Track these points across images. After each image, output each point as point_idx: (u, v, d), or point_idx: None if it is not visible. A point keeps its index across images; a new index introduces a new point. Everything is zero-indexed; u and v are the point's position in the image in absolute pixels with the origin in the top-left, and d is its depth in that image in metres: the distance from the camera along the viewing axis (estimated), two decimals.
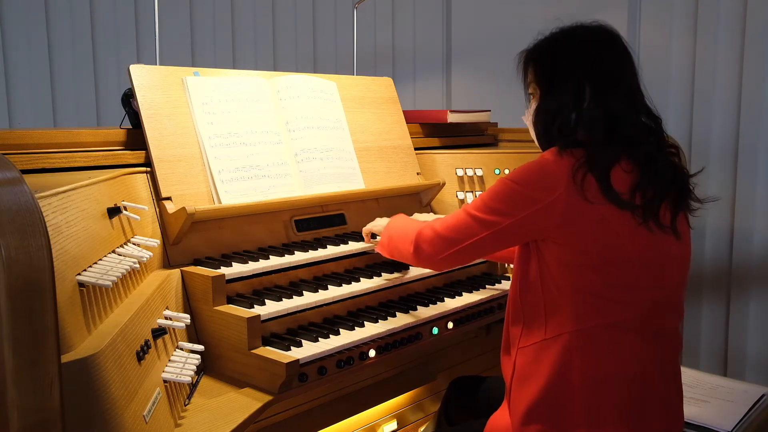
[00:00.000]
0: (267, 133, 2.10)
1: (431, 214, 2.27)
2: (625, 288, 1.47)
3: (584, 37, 1.58)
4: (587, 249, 1.45)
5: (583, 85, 1.51)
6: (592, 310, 1.46)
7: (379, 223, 2.02)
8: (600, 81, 1.51)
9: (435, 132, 2.81)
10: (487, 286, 2.25)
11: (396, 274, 2.06)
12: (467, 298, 2.12)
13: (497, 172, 2.67)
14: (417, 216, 2.21)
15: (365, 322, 1.85)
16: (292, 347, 1.66)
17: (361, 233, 2.20)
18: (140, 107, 1.87)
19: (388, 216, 2.04)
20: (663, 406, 1.51)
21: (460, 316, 2.06)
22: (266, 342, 1.68)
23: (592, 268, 1.46)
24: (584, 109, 1.51)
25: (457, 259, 1.66)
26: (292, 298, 1.81)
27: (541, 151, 1.59)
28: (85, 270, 1.33)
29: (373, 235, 2.07)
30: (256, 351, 1.63)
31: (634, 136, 1.49)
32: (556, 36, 1.61)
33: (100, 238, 1.45)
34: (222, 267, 1.80)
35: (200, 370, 1.71)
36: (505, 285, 2.28)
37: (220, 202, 1.93)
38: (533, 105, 1.64)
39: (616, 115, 1.49)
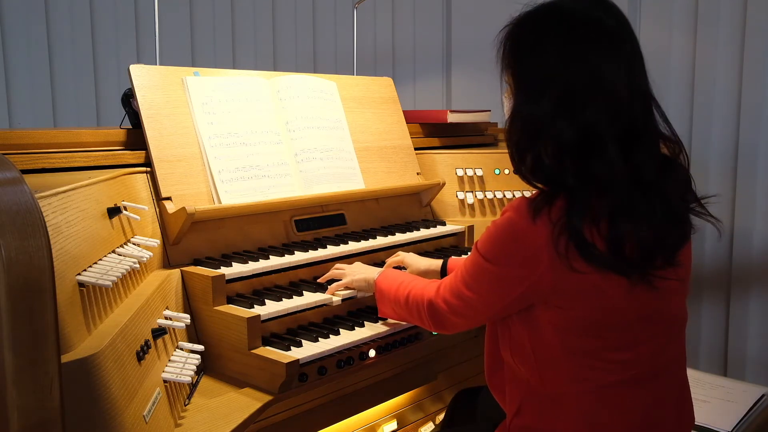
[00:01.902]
0: (267, 133, 2.10)
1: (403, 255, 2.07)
2: (626, 348, 1.32)
3: (569, 23, 1.28)
4: (582, 318, 1.29)
5: (559, 92, 1.26)
6: (591, 372, 1.32)
7: (353, 275, 1.87)
8: (575, 87, 1.25)
9: (435, 132, 2.81)
10: None
11: None
12: None
13: (497, 172, 2.67)
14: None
15: (365, 322, 1.85)
16: (292, 347, 1.66)
17: (361, 233, 2.20)
18: (140, 107, 1.87)
19: (387, 216, 2.03)
20: (663, 428, 1.43)
21: None
22: (266, 342, 1.68)
23: (588, 332, 1.30)
24: (556, 126, 1.26)
25: (479, 322, 1.50)
26: (292, 298, 1.81)
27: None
28: (85, 270, 1.33)
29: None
30: (256, 351, 1.63)
31: (607, 176, 1.24)
32: (542, 8, 1.32)
33: (100, 238, 1.45)
34: (222, 267, 1.80)
35: (200, 370, 1.71)
36: None
37: (220, 202, 1.93)
38: (509, 100, 1.38)
39: (593, 136, 1.24)
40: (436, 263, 1.98)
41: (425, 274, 1.96)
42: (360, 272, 1.87)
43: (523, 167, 1.33)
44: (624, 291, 1.28)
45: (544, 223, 1.24)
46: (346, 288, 1.88)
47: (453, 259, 1.98)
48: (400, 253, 2.09)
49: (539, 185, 1.32)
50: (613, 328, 1.31)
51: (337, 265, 1.94)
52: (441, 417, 2.34)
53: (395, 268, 2.00)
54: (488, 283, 1.37)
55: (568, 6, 1.31)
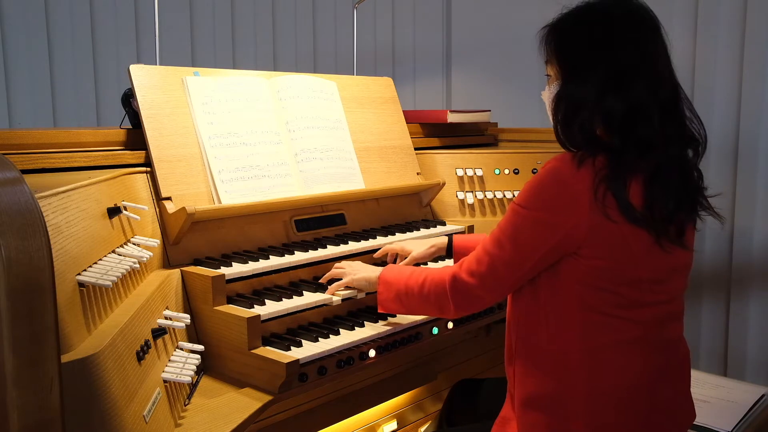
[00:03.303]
0: (267, 133, 2.10)
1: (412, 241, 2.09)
2: (634, 306, 1.42)
3: (606, 12, 1.45)
4: (604, 268, 1.39)
5: (607, 73, 1.41)
6: (600, 329, 1.42)
7: (353, 275, 1.87)
8: (622, 68, 1.41)
9: (435, 132, 2.81)
10: None
11: None
12: None
13: (497, 172, 2.67)
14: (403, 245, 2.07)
15: (365, 322, 1.85)
16: (292, 347, 1.66)
17: (361, 233, 2.20)
18: (140, 107, 1.87)
19: (387, 216, 2.03)
20: (669, 413, 1.48)
21: None
22: (266, 342, 1.68)
23: (605, 288, 1.41)
24: (606, 103, 1.40)
25: (502, 294, 1.55)
26: (292, 298, 1.81)
27: (555, 139, 1.50)
28: (85, 270, 1.33)
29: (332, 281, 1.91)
30: (256, 351, 1.63)
31: (650, 139, 1.39)
32: (580, 10, 1.48)
33: (100, 238, 1.45)
34: (222, 267, 1.80)
35: (200, 370, 1.71)
36: None
37: (220, 202, 1.93)
38: (553, 88, 1.52)
39: (638, 110, 1.39)
40: (441, 240, 2.03)
41: (429, 255, 2.02)
42: (360, 271, 1.87)
43: (567, 134, 1.46)
44: (645, 248, 1.39)
45: (587, 170, 1.36)
46: (347, 287, 1.88)
47: (459, 237, 2.02)
48: (396, 242, 2.10)
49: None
50: (627, 283, 1.40)
51: (337, 264, 1.94)
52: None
53: (382, 264, 1.99)
54: (524, 234, 1.42)
55: (606, 2, 1.47)
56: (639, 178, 1.38)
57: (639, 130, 1.39)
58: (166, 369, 1.48)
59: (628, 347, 1.43)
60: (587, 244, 1.38)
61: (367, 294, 1.92)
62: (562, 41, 1.49)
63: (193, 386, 1.63)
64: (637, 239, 1.38)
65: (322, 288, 1.89)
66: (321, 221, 2.18)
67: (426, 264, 2.14)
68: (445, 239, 2.05)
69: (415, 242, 2.06)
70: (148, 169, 1.85)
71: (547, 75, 1.55)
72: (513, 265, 1.45)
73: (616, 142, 1.39)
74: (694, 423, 1.96)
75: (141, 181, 1.82)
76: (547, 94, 1.55)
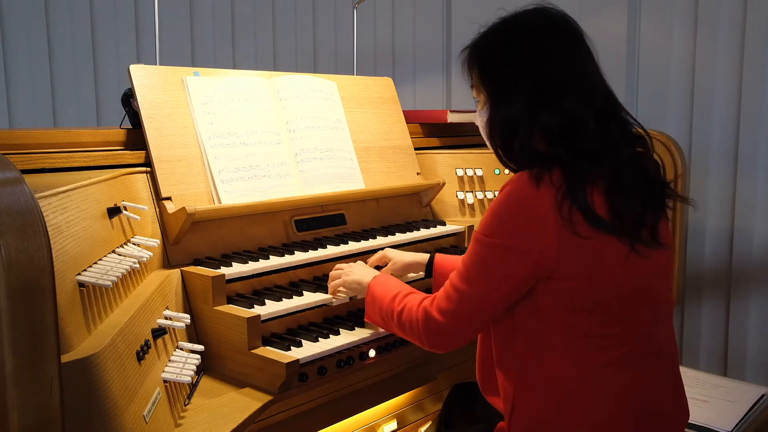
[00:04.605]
0: (267, 133, 2.10)
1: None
2: (620, 324, 1.38)
3: (523, 27, 1.42)
4: (582, 289, 1.34)
5: (533, 88, 1.37)
6: (588, 352, 1.37)
7: (347, 276, 1.81)
8: (548, 80, 1.37)
9: (435, 132, 2.81)
10: None
11: None
12: None
13: (497, 172, 2.67)
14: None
15: (365, 322, 1.85)
16: (292, 347, 1.66)
17: (361, 233, 2.20)
18: (140, 107, 1.87)
19: (387, 216, 2.02)
20: (663, 415, 1.46)
21: None
22: (266, 342, 1.68)
23: (585, 308, 1.35)
24: (539, 117, 1.36)
25: (477, 330, 1.50)
26: (292, 298, 1.81)
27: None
28: (85, 270, 1.33)
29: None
30: (256, 351, 1.63)
31: (596, 148, 1.35)
32: (497, 28, 1.45)
33: (100, 238, 1.45)
34: (222, 267, 1.80)
35: (200, 370, 1.71)
36: None
37: (220, 202, 1.93)
38: (483, 113, 1.49)
39: (572, 119, 1.35)
40: (422, 256, 1.95)
41: (410, 267, 1.95)
42: (355, 273, 1.80)
43: (510, 156, 1.43)
44: (621, 259, 1.34)
45: (547, 188, 1.31)
46: (340, 289, 1.86)
47: (440, 255, 1.93)
48: (380, 251, 2.04)
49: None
50: (609, 300, 1.36)
51: (338, 266, 1.91)
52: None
53: (377, 267, 1.96)
54: (493, 265, 1.36)
55: (523, 15, 1.45)
56: (599, 187, 1.34)
57: (582, 142, 1.35)
58: (166, 369, 1.48)
59: (619, 367, 1.38)
60: (560, 266, 1.32)
61: None
62: (485, 62, 1.45)
63: (193, 386, 1.63)
64: (611, 251, 1.33)
65: (322, 288, 1.89)
66: (321, 221, 2.18)
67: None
68: (426, 256, 1.95)
69: (398, 252, 1.98)
70: (148, 169, 1.85)
71: (474, 98, 1.51)
72: (484, 300, 1.38)
73: (562, 154, 1.35)
74: (695, 423, 1.96)
75: (141, 181, 1.82)
76: (479, 119, 1.52)
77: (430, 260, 1.93)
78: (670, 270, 1.50)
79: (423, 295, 1.56)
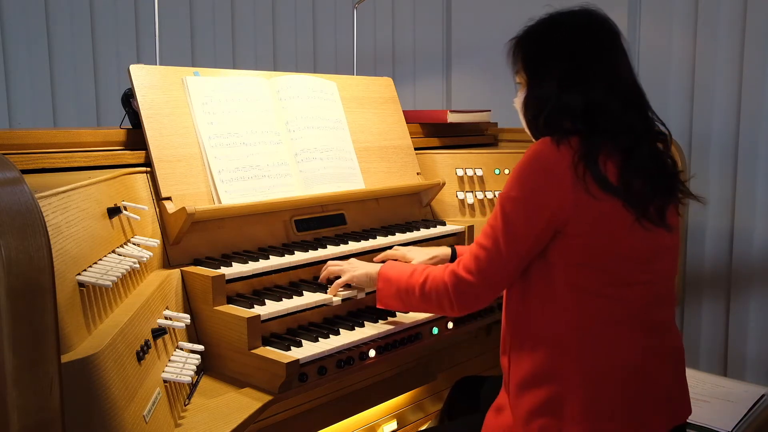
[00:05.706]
0: (267, 133, 2.10)
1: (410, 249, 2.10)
2: (621, 285, 1.46)
3: (565, 23, 1.57)
4: (589, 246, 1.44)
5: (564, 73, 1.51)
6: (589, 309, 1.46)
7: (353, 271, 1.86)
8: (578, 69, 1.50)
9: (435, 132, 2.81)
10: None
11: None
12: None
13: (497, 172, 2.67)
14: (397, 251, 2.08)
15: (365, 322, 1.85)
16: (292, 347, 1.66)
17: (361, 233, 2.20)
18: (140, 107, 1.87)
19: (387, 216, 2.02)
20: (663, 400, 1.50)
21: None
22: (266, 342, 1.68)
23: (591, 266, 1.45)
24: (565, 98, 1.50)
25: (502, 287, 1.58)
26: (292, 298, 1.81)
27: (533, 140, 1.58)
28: (85, 270, 1.33)
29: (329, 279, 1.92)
30: (256, 351, 1.63)
31: (614, 128, 1.47)
32: (543, 22, 1.60)
33: (100, 238, 1.45)
34: (222, 267, 1.80)
35: (200, 370, 1.71)
36: None
37: (220, 202, 1.93)
38: (521, 94, 1.63)
39: (597, 104, 1.48)
40: (445, 250, 2.06)
41: (433, 261, 2.02)
42: (360, 267, 1.87)
43: (537, 130, 1.56)
44: (626, 226, 1.44)
45: (566, 149, 1.43)
46: (347, 286, 1.88)
47: (461, 247, 2.06)
48: (398, 248, 2.09)
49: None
50: (613, 261, 1.45)
51: (333, 263, 1.93)
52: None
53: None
54: (516, 221, 1.46)
55: (569, 13, 1.58)
56: (613, 159, 1.44)
57: (601, 124, 1.47)
58: (166, 369, 1.48)
59: (617, 327, 1.46)
60: (572, 221, 1.43)
61: (367, 294, 1.92)
62: (527, 51, 1.61)
63: (193, 386, 1.63)
64: (618, 216, 1.43)
65: (322, 288, 1.89)
66: (321, 221, 2.18)
67: None
68: (449, 250, 2.07)
69: (417, 250, 2.06)
70: (148, 169, 1.85)
71: (517, 83, 1.66)
72: (510, 256, 1.48)
73: (583, 130, 1.47)
74: (695, 423, 1.96)
75: (141, 181, 1.82)
76: (518, 101, 1.65)
77: (453, 252, 2.05)
78: (674, 254, 1.56)
79: (443, 265, 1.64)
